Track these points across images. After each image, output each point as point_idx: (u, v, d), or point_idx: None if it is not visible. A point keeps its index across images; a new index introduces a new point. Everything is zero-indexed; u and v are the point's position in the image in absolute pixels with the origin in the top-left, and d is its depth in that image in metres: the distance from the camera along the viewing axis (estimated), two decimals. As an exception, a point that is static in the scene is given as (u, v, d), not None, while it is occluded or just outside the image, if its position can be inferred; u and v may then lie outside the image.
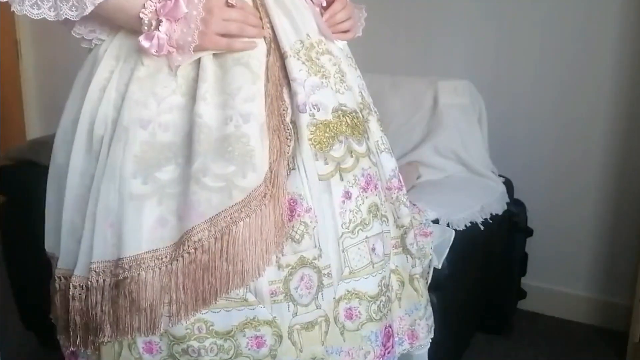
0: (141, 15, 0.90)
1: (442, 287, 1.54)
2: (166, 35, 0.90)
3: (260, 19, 0.99)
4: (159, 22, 0.90)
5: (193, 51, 0.91)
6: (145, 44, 0.91)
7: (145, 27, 0.91)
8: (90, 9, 0.88)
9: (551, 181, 2.33)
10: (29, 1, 0.88)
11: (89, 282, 0.93)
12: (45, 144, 2.00)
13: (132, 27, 0.94)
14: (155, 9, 0.90)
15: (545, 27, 2.26)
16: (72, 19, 0.89)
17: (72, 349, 1.00)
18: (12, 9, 0.89)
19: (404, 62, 2.52)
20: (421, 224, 1.21)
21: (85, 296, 0.94)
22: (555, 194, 2.33)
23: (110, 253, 0.93)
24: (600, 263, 2.32)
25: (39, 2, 0.87)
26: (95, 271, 0.93)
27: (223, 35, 0.93)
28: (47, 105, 3.28)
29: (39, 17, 0.88)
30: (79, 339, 0.97)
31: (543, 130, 2.32)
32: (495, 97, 2.34)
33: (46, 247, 1.05)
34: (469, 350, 2.11)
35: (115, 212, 0.92)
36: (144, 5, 0.90)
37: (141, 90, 0.93)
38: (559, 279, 2.37)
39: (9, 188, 2.03)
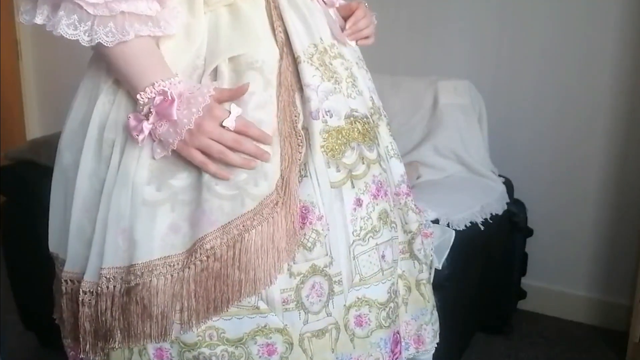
0: (138, 96, 0.88)
1: (442, 287, 1.53)
2: (152, 125, 0.88)
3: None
4: (150, 111, 0.88)
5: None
6: (131, 122, 0.89)
7: (140, 107, 0.89)
8: (131, 36, 0.86)
9: (551, 181, 2.33)
10: (65, 20, 0.84)
11: (99, 288, 0.92)
12: (45, 144, 2.00)
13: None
14: (153, 98, 0.87)
15: (546, 27, 2.27)
16: (105, 44, 0.85)
17: (81, 356, 0.99)
18: (51, 31, 0.85)
19: (404, 62, 2.52)
20: (421, 224, 1.21)
21: (95, 302, 0.94)
22: (555, 194, 2.33)
23: (121, 259, 0.92)
24: (600, 263, 2.32)
25: (77, 24, 0.84)
26: (105, 277, 0.92)
27: (203, 152, 0.89)
28: (47, 105, 3.28)
29: (74, 39, 0.85)
30: (88, 346, 0.96)
31: (543, 131, 2.32)
32: (495, 97, 2.35)
33: (50, 247, 1.04)
34: (469, 350, 2.12)
35: (127, 218, 0.91)
36: (145, 89, 0.88)
37: None
38: (559, 279, 2.37)
39: (9, 188, 2.03)
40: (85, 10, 0.83)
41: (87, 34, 0.84)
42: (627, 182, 2.24)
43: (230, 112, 0.89)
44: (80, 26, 0.84)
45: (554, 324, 2.34)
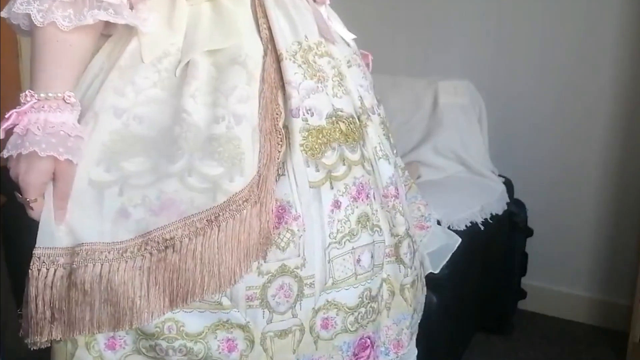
0: (27, 92, 0.87)
1: (442, 287, 1.53)
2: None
3: (259, 19, 0.96)
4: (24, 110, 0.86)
5: None
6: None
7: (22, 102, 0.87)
8: (88, 21, 0.84)
9: (551, 181, 2.33)
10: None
11: (30, 271, 0.87)
12: (45, 144, 2.00)
13: None
14: (29, 104, 0.86)
15: (545, 27, 2.27)
16: (61, 28, 0.84)
17: (22, 323, 0.95)
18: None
19: (404, 62, 2.52)
20: (422, 216, 1.18)
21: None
22: (555, 194, 2.33)
23: (59, 239, 0.88)
24: (600, 263, 2.32)
25: (31, 1, 0.82)
26: (38, 258, 0.88)
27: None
28: (47, 105, 3.28)
29: (24, 12, 0.83)
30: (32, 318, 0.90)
31: (543, 130, 2.32)
32: (495, 97, 2.35)
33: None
34: (469, 350, 2.11)
35: (72, 198, 0.88)
36: (29, 92, 0.86)
37: (120, 78, 0.90)
38: (559, 279, 2.37)
39: (9, 188, 2.03)
40: None
41: (40, 14, 0.82)
42: (627, 182, 2.23)
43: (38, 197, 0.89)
44: (35, 3, 0.82)
45: (554, 324, 2.34)
